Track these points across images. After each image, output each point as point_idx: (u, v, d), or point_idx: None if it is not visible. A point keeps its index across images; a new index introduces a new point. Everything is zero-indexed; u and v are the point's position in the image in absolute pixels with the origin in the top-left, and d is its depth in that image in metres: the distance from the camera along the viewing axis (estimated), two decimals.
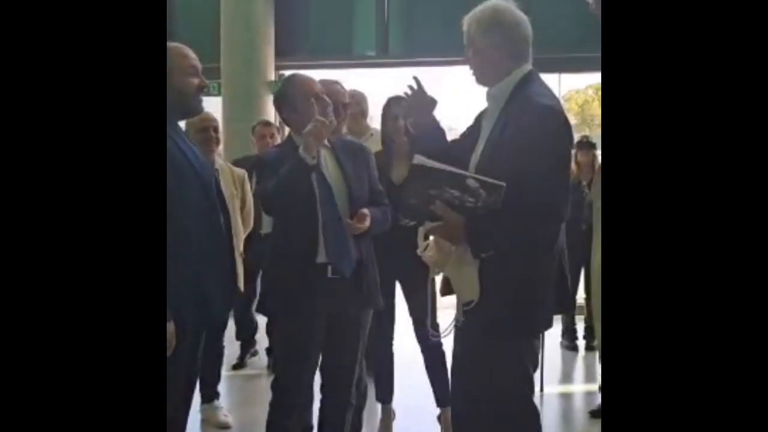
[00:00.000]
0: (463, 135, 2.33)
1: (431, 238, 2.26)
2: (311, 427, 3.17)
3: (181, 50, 2.31)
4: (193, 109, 2.39)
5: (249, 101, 6.57)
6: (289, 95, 2.65)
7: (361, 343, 2.74)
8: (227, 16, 6.70)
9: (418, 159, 2.12)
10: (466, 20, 2.19)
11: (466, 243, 2.09)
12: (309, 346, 2.65)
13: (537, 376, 3.95)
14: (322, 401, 2.80)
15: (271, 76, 6.81)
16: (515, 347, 2.13)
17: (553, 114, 2.06)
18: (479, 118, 2.28)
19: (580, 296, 5.38)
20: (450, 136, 2.38)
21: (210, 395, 3.77)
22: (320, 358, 2.74)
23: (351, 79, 7.10)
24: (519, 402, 2.16)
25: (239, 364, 4.79)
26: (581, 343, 5.35)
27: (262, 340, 4.79)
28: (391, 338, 3.57)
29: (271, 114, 6.69)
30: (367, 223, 2.59)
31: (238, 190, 3.95)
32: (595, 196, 4.26)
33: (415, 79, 2.35)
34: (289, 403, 2.69)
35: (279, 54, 6.95)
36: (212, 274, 2.29)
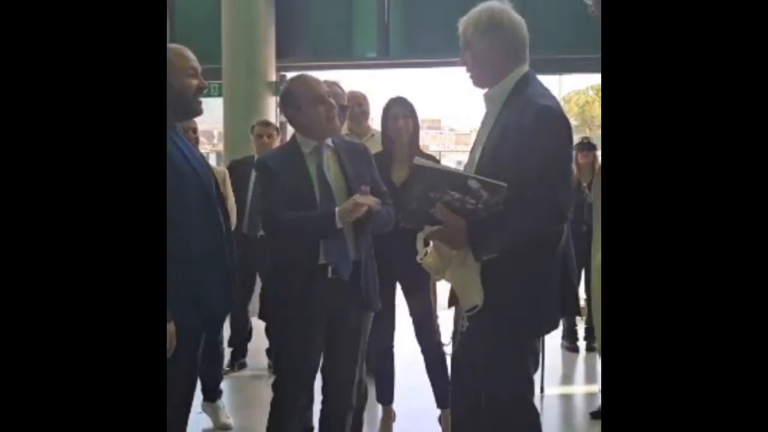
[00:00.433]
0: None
1: (431, 244, 2.24)
2: (312, 429, 3.17)
3: (180, 51, 2.32)
4: (193, 111, 2.39)
5: (250, 102, 6.57)
6: (295, 95, 2.64)
7: (361, 345, 2.74)
8: (228, 17, 6.70)
9: (419, 161, 2.12)
10: (462, 23, 2.19)
11: (467, 246, 2.09)
12: (309, 348, 2.65)
13: (538, 377, 3.99)
14: (322, 402, 2.80)
15: (272, 77, 6.81)
16: (516, 348, 2.13)
17: (553, 114, 2.06)
18: None
19: (581, 297, 5.39)
20: (451, 137, 2.38)
21: (212, 394, 3.77)
22: (321, 359, 2.74)
23: (352, 80, 7.12)
24: (519, 403, 2.16)
25: (226, 371, 4.71)
26: (582, 344, 5.35)
27: (262, 341, 4.79)
28: (392, 339, 3.57)
29: (272, 115, 6.70)
30: (368, 202, 2.51)
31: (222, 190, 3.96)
32: (595, 197, 4.27)
33: None
34: (290, 404, 2.69)
35: (280, 55, 6.95)
36: (212, 275, 2.30)
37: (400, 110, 3.44)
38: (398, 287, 3.51)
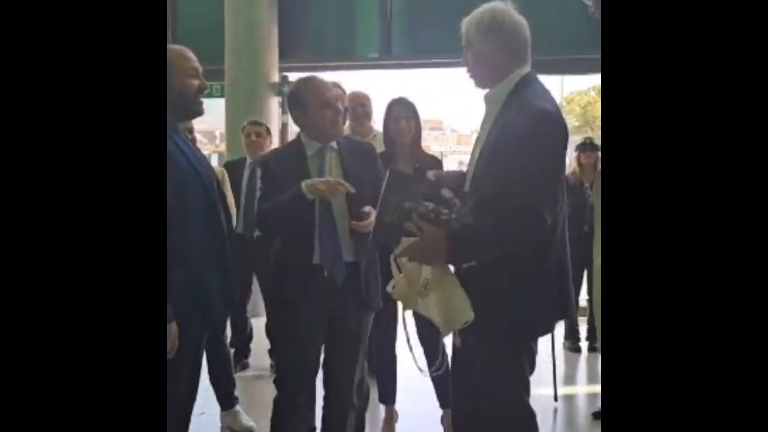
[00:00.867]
0: None
1: (399, 274, 2.18)
2: (314, 428, 3.18)
3: (181, 52, 2.32)
4: (194, 111, 2.39)
5: (252, 103, 6.57)
6: (302, 97, 2.65)
7: (362, 345, 2.74)
8: (231, 18, 6.70)
9: (392, 171, 2.09)
10: (465, 23, 2.18)
11: (444, 260, 2.06)
12: (308, 347, 2.67)
13: (549, 380, 4.00)
14: (324, 401, 2.82)
15: (275, 78, 6.82)
16: (511, 350, 2.13)
17: (549, 118, 2.03)
18: None
19: (583, 298, 5.39)
20: (452, 138, 2.38)
21: (229, 401, 3.76)
22: (320, 358, 2.75)
23: (354, 80, 7.12)
24: (514, 403, 2.16)
25: None
26: (584, 344, 5.35)
27: (264, 341, 4.79)
28: (394, 339, 3.57)
29: (274, 115, 6.70)
30: (372, 219, 2.53)
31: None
32: (596, 197, 4.27)
33: None
34: (290, 401, 2.71)
35: (282, 56, 6.95)
36: (214, 275, 2.30)
37: (402, 111, 3.45)
38: None
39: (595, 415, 3.95)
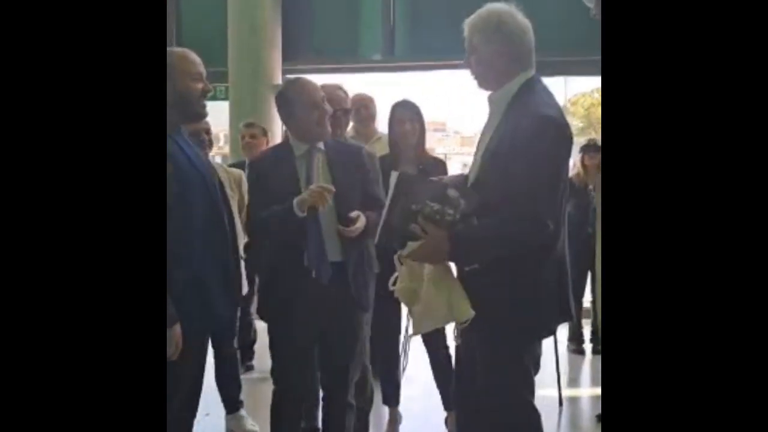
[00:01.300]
0: None
1: (401, 270, 2.19)
2: (317, 429, 3.19)
3: (185, 55, 2.32)
4: (197, 114, 2.38)
5: (256, 105, 6.57)
6: (290, 99, 2.67)
7: (357, 345, 2.77)
8: (234, 20, 6.71)
9: (400, 174, 2.10)
10: (467, 25, 2.16)
11: (446, 260, 2.07)
12: (302, 347, 2.71)
13: (552, 382, 3.99)
14: (322, 401, 2.87)
15: (278, 80, 6.82)
16: (512, 350, 2.12)
17: (551, 124, 2.03)
18: None
19: (587, 300, 5.38)
20: (456, 139, 2.37)
21: (234, 405, 3.77)
22: (314, 356, 2.79)
23: (357, 82, 7.11)
24: (518, 404, 2.16)
25: None
26: (588, 346, 5.34)
27: (267, 345, 4.80)
28: (398, 341, 3.57)
29: (277, 117, 6.69)
30: (359, 225, 2.58)
31: (235, 191, 3.96)
32: (599, 199, 4.27)
33: None
34: (289, 402, 2.75)
35: (285, 58, 6.96)
36: (216, 277, 2.30)
37: (406, 113, 3.44)
38: None
39: (599, 418, 3.94)
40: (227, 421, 3.77)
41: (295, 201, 2.52)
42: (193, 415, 2.47)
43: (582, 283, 5.01)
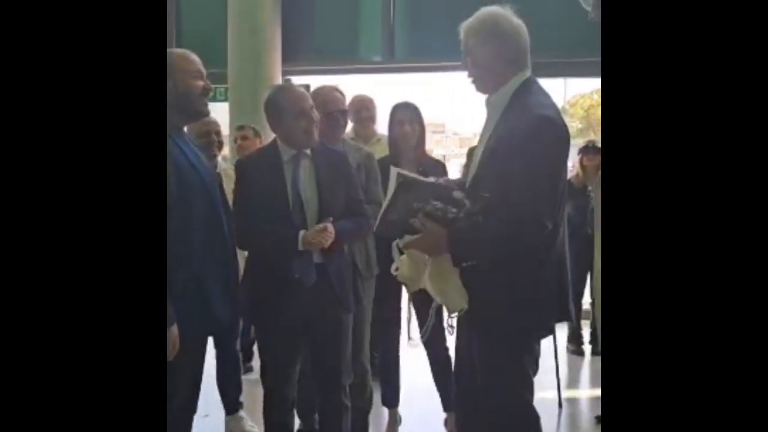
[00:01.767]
0: None
1: (404, 255, 2.23)
2: (315, 431, 3.19)
3: (184, 54, 2.33)
4: (198, 112, 2.39)
5: (256, 106, 6.52)
6: (278, 106, 2.69)
7: (345, 345, 2.79)
8: (234, 22, 6.71)
9: (402, 173, 2.11)
10: (463, 29, 2.17)
11: (446, 253, 2.08)
12: (289, 349, 2.73)
13: (552, 383, 3.99)
14: (318, 403, 2.88)
15: (278, 81, 6.82)
16: (510, 350, 2.13)
17: (548, 124, 2.03)
18: None
19: (586, 301, 5.38)
20: (455, 141, 2.38)
21: (233, 406, 3.77)
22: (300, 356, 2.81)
23: (357, 84, 7.11)
24: (517, 404, 2.16)
25: None
26: (587, 347, 5.34)
27: None
28: (398, 342, 3.58)
29: None
30: (326, 237, 2.58)
31: None
32: (597, 201, 4.27)
33: None
34: (277, 402, 2.78)
35: (285, 59, 6.96)
36: (215, 278, 2.31)
37: (405, 115, 3.45)
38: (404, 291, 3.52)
39: (599, 419, 3.94)
40: (227, 422, 3.77)
41: (300, 235, 2.56)
42: (192, 416, 2.48)
43: (581, 283, 5.02)
